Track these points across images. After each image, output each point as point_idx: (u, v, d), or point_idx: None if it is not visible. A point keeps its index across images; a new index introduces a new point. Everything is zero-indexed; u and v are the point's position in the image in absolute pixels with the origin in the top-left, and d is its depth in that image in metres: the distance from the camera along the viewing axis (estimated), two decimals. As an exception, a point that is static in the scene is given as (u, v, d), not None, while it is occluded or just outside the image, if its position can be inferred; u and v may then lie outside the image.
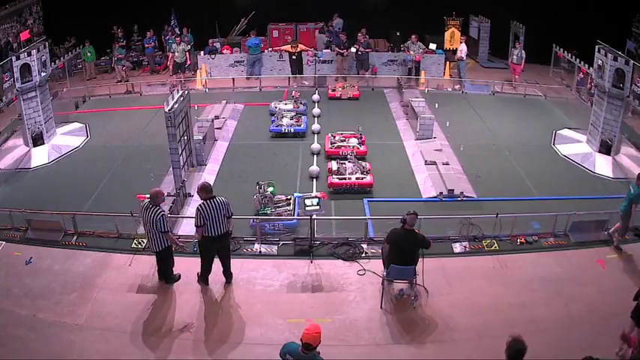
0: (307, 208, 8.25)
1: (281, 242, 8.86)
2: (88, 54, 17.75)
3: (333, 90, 15.91)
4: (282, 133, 13.00)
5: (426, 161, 11.46)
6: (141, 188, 9.27)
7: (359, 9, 19.58)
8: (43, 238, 8.89)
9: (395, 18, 19.28)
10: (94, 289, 7.78)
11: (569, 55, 15.50)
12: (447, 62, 17.77)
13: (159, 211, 7.30)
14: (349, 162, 11.01)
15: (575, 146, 12.49)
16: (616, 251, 8.44)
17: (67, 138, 13.08)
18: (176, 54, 16.91)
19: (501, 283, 7.91)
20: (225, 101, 15.02)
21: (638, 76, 10.73)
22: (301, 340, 5.21)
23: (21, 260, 8.39)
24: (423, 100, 13.84)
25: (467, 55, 17.30)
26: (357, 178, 10.46)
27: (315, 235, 8.77)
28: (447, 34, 18.20)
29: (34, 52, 11.88)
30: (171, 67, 17.37)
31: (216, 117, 13.62)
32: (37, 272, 8.13)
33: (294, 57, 17.03)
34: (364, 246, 8.76)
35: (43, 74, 12.25)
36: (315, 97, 15.43)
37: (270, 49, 18.32)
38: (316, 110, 14.46)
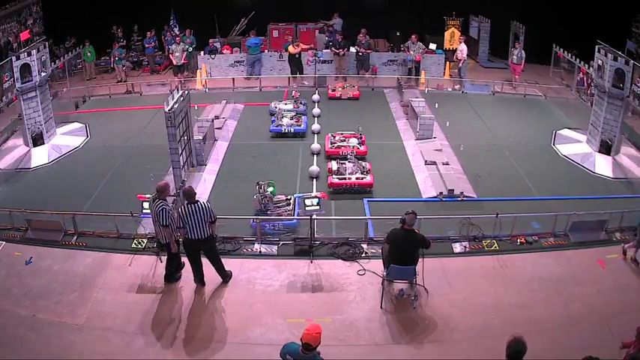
0: (307, 208, 8.25)
1: (281, 242, 8.87)
2: (88, 54, 17.75)
3: (333, 90, 15.91)
4: (282, 133, 13.00)
5: (426, 161, 11.46)
6: (141, 188, 9.28)
7: (359, 9, 19.57)
8: (43, 238, 8.89)
9: (395, 18, 19.28)
10: (94, 289, 7.78)
11: (569, 55, 15.50)
12: (447, 62, 17.77)
13: (161, 204, 7.37)
14: (349, 162, 11.01)
15: (575, 146, 12.49)
16: (634, 263, 8.25)
17: (67, 138, 13.08)
18: (175, 54, 16.90)
19: (501, 283, 7.91)
20: (225, 101, 15.02)
21: (638, 76, 10.73)
22: (301, 340, 5.21)
23: (21, 260, 8.39)
24: (423, 100, 13.83)
25: (467, 55, 17.27)
26: (357, 178, 10.46)
27: (315, 235, 8.77)
28: (447, 34, 18.20)
29: (34, 52, 11.88)
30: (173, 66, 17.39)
31: (216, 117, 13.61)
32: (37, 272, 8.13)
33: (297, 56, 17.01)
34: (364, 246, 8.76)
35: (43, 74, 12.25)
36: (315, 97, 15.42)
37: (272, 50, 18.33)
38: (316, 110, 14.46)
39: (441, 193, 10.33)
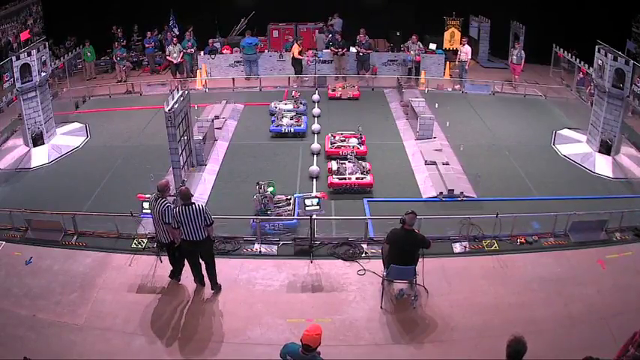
0: (307, 208, 8.25)
1: (281, 242, 8.86)
2: (88, 54, 17.75)
3: (333, 90, 15.91)
4: (282, 133, 13.00)
5: (426, 161, 11.46)
6: (141, 188, 9.28)
7: (359, 9, 19.58)
8: (43, 238, 8.89)
9: (395, 18, 19.28)
10: (94, 289, 7.78)
11: (569, 55, 15.50)
12: (447, 62, 17.77)
13: (165, 202, 7.38)
14: (349, 162, 11.01)
15: (575, 146, 12.49)
16: None
17: (67, 138, 13.09)
18: (173, 55, 16.88)
19: (501, 283, 7.91)
20: (225, 101, 15.02)
21: (638, 76, 10.73)
22: (301, 341, 5.21)
23: (21, 260, 8.39)
24: (423, 100, 13.84)
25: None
26: (357, 178, 10.46)
27: (315, 235, 8.76)
28: (447, 34, 18.20)
29: (34, 52, 11.88)
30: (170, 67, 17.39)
31: (216, 117, 13.62)
32: (37, 272, 8.13)
33: (301, 54, 17.00)
34: (364, 246, 8.75)
35: (43, 74, 12.25)
36: (315, 97, 15.43)
37: (272, 50, 18.34)
38: (316, 110, 14.46)
39: (441, 193, 10.33)
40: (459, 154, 12.03)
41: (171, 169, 10.20)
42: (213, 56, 17.62)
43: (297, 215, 9.14)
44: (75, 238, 8.96)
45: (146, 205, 8.10)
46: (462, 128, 13.59)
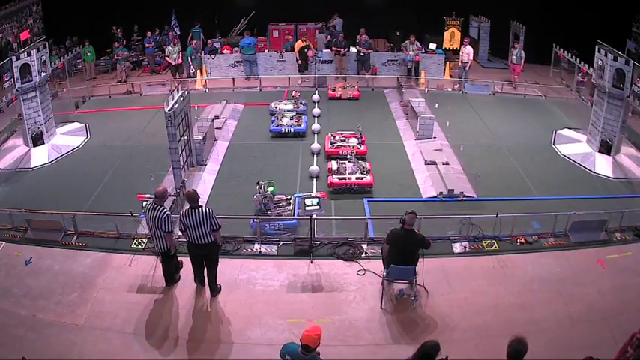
0: (307, 208, 8.24)
1: (281, 242, 8.86)
2: (88, 54, 17.75)
3: (333, 90, 15.90)
4: (282, 133, 13.00)
5: (426, 161, 11.45)
6: (141, 188, 9.28)
7: (359, 9, 19.58)
8: (43, 238, 8.89)
9: (395, 18, 19.28)
10: (94, 289, 7.78)
11: (569, 55, 15.50)
12: (447, 62, 17.76)
13: (164, 211, 7.33)
14: (349, 162, 11.01)
15: (575, 146, 12.49)
16: None
17: (67, 138, 13.09)
18: (173, 56, 16.88)
19: (501, 283, 7.91)
20: (225, 101, 15.02)
21: (638, 76, 10.73)
22: (300, 341, 5.21)
23: (21, 260, 8.39)
24: (423, 100, 13.84)
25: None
26: (357, 178, 10.46)
27: (315, 235, 8.76)
28: (447, 34, 18.18)
29: (34, 52, 11.88)
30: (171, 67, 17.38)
31: (216, 117, 13.62)
32: (37, 272, 8.13)
33: (305, 50, 16.97)
34: (364, 246, 8.76)
35: (43, 74, 12.25)
36: (315, 97, 15.43)
37: (272, 50, 18.34)
38: (316, 110, 14.46)
39: (441, 193, 10.33)
40: (459, 154, 12.03)
41: (171, 169, 10.20)
42: (213, 56, 17.62)
43: (297, 215, 9.14)
44: (75, 238, 8.96)
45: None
46: (462, 128, 13.59)
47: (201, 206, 7.34)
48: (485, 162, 11.85)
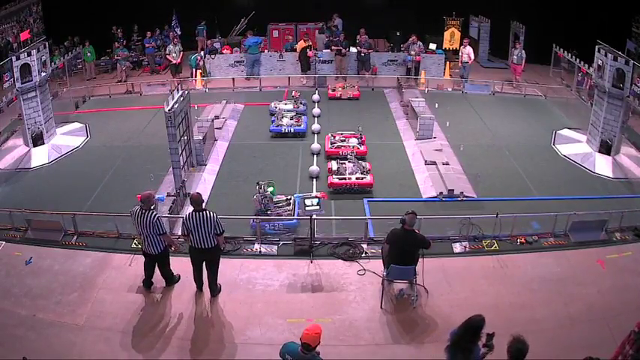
0: (307, 208, 8.24)
1: (281, 242, 8.86)
2: (88, 54, 17.75)
3: (333, 90, 15.90)
4: (282, 133, 13.00)
5: (426, 161, 11.46)
6: (141, 188, 9.24)
7: (359, 9, 19.58)
8: (43, 238, 8.89)
9: (395, 18, 19.28)
10: (94, 289, 7.78)
11: (569, 55, 15.50)
12: (447, 62, 17.76)
13: (154, 214, 7.28)
14: (349, 162, 11.01)
15: (575, 146, 12.49)
16: None
17: (67, 138, 13.09)
18: (173, 54, 16.87)
19: (501, 283, 7.91)
20: (225, 101, 15.03)
21: (638, 76, 10.73)
22: (301, 340, 5.21)
23: (21, 260, 8.39)
24: (423, 100, 13.84)
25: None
26: (357, 178, 10.46)
27: (315, 235, 8.76)
28: (447, 34, 18.19)
29: (34, 52, 11.88)
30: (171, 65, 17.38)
31: (216, 117, 13.63)
32: (37, 272, 8.13)
33: (309, 49, 16.98)
34: (364, 246, 8.75)
35: (43, 74, 12.25)
36: (315, 97, 15.43)
37: (272, 50, 18.35)
38: (316, 110, 14.46)
39: (441, 193, 10.33)
40: (458, 154, 12.03)
41: (171, 169, 10.20)
42: (213, 56, 17.62)
43: (297, 215, 9.14)
44: (75, 238, 8.96)
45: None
46: (462, 128, 13.59)
47: (206, 209, 7.27)
48: (485, 162, 11.85)
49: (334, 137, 12.22)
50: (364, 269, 8.20)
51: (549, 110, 15.17)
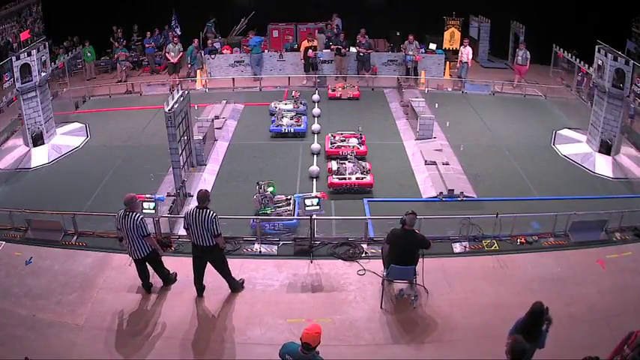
0: (307, 208, 8.24)
1: (281, 242, 8.86)
2: (88, 54, 17.75)
3: (333, 90, 15.90)
4: (282, 133, 13.00)
5: (426, 161, 11.46)
6: (141, 188, 9.27)
7: (359, 9, 19.58)
8: (43, 238, 8.89)
9: (395, 18, 19.28)
10: (94, 289, 7.78)
11: (569, 55, 15.51)
12: (447, 62, 17.76)
13: (138, 216, 7.21)
14: (349, 162, 11.01)
15: (575, 146, 12.49)
16: None
17: (67, 138, 13.09)
18: (171, 54, 16.88)
19: (501, 283, 7.91)
20: (225, 101, 15.03)
21: (638, 76, 10.73)
22: (301, 340, 5.21)
23: (21, 260, 8.39)
24: (423, 100, 13.85)
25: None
26: (357, 178, 10.46)
27: (315, 235, 8.76)
28: (447, 34, 18.20)
29: (34, 52, 11.88)
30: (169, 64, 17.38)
31: (216, 117, 13.63)
32: (37, 272, 8.13)
33: (311, 49, 17.00)
34: (364, 246, 8.75)
35: (43, 74, 12.25)
36: (315, 97, 15.43)
37: (272, 49, 18.35)
38: (316, 110, 14.46)
39: (441, 193, 10.33)
40: (459, 154, 12.03)
41: (171, 169, 10.20)
42: (213, 56, 17.62)
43: (297, 215, 9.14)
44: (75, 238, 8.96)
45: (146, 205, 8.09)
46: (462, 128, 13.59)
47: (207, 208, 7.21)
48: (485, 162, 11.85)
49: (334, 137, 12.22)
50: (364, 269, 8.20)
51: (549, 110, 15.17)
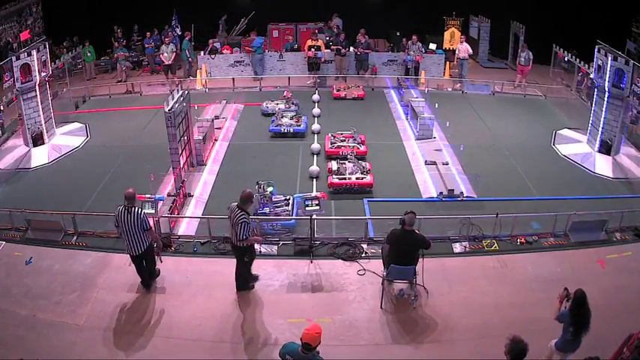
0: (307, 208, 8.24)
1: (281, 242, 8.86)
2: (88, 54, 17.74)
3: (338, 90, 15.87)
4: (281, 133, 13.00)
5: (426, 161, 11.46)
6: (141, 188, 9.24)
7: (359, 9, 19.58)
8: (43, 238, 8.89)
9: (395, 18, 19.28)
10: (94, 289, 7.78)
11: (569, 55, 15.51)
12: (447, 62, 17.76)
13: (139, 210, 7.34)
14: (349, 162, 11.01)
15: (575, 146, 12.49)
16: None
17: (67, 138, 13.09)
18: (165, 54, 16.86)
19: (501, 283, 7.91)
20: (225, 101, 15.03)
21: (638, 76, 10.73)
22: (301, 340, 5.21)
23: (21, 260, 8.39)
24: (423, 100, 13.84)
25: (469, 55, 17.15)
26: (357, 178, 10.46)
27: (315, 235, 8.76)
28: (447, 34, 18.20)
29: (34, 52, 11.87)
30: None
31: (216, 117, 13.63)
32: (37, 272, 8.13)
33: (314, 48, 16.99)
34: (364, 246, 8.75)
35: (43, 74, 12.24)
36: (315, 97, 15.43)
37: (272, 49, 18.36)
38: (316, 110, 14.45)
39: (441, 193, 10.33)
40: (459, 154, 12.03)
41: (171, 169, 10.19)
42: (213, 56, 17.62)
43: (296, 215, 9.13)
44: (75, 238, 8.97)
45: (151, 207, 8.14)
46: (462, 128, 13.58)
47: (246, 212, 7.25)
48: (485, 162, 11.85)
49: (334, 137, 12.22)
50: (364, 269, 8.20)
51: (549, 110, 15.17)
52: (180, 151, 9.93)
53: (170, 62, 16.97)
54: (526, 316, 7.16)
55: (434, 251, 7.83)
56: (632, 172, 11.31)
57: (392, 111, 14.94)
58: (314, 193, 9.09)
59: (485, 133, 13.51)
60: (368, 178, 10.50)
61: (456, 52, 17.02)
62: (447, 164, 11.33)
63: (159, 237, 7.70)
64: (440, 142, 12.52)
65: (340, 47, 17.13)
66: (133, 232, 7.27)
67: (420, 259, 7.34)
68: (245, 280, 7.75)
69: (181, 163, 10.04)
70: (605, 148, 11.72)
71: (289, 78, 17.05)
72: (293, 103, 14.39)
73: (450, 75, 17.61)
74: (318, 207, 8.22)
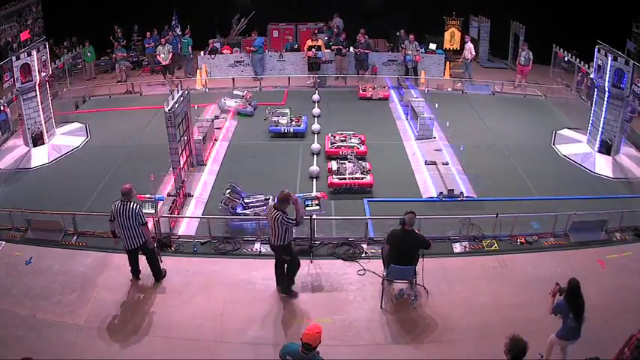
0: (307, 208, 8.24)
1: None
2: (88, 54, 17.74)
3: (364, 90, 15.84)
4: (281, 133, 13.00)
5: (426, 161, 11.46)
6: (141, 188, 9.25)
7: (359, 9, 19.58)
8: (43, 238, 8.89)
9: (395, 18, 19.28)
10: (94, 289, 7.78)
11: (569, 55, 15.50)
12: (447, 62, 17.76)
13: (136, 205, 7.41)
14: (349, 162, 11.01)
15: (575, 146, 12.49)
16: None
17: (67, 138, 13.09)
18: (161, 55, 16.85)
19: (501, 283, 7.91)
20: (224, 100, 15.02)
21: (637, 76, 10.72)
22: (301, 340, 5.21)
23: (21, 260, 8.39)
24: (423, 100, 13.84)
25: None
26: (357, 178, 10.46)
27: (315, 235, 8.76)
28: (447, 34, 18.19)
29: (34, 52, 11.87)
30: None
31: (216, 117, 13.63)
32: (37, 272, 8.13)
33: (314, 48, 16.99)
34: (364, 246, 8.75)
35: (43, 74, 12.24)
36: (315, 97, 15.43)
37: (272, 49, 18.37)
38: (316, 110, 14.45)
39: (441, 193, 10.33)
40: (459, 154, 12.03)
41: (171, 169, 10.19)
42: (213, 56, 17.62)
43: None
44: (75, 238, 8.97)
45: (151, 207, 8.18)
46: (462, 128, 13.58)
47: (285, 212, 7.24)
48: (485, 162, 11.85)
49: (334, 137, 12.22)
50: (364, 269, 8.20)
51: (549, 110, 15.17)
52: (180, 151, 9.93)
53: (167, 63, 16.96)
54: (526, 316, 7.16)
55: (434, 251, 7.83)
56: (632, 172, 11.31)
57: (392, 111, 14.93)
58: (314, 193, 9.08)
59: (485, 133, 13.51)
60: (368, 178, 10.50)
61: (464, 52, 17.00)
62: (447, 164, 11.33)
63: (152, 237, 7.70)
64: (440, 142, 12.53)
65: (340, 47, 17.12)
66: (127, 225, 7.39)
67: (420, 259, 7.34)
68: (291, 279, 7.73)
69: (181, 163, 10.04)
70: (605, 148, 11.72)
71: (289, 78, 17.06)
72: (250, 104, 14.52)
73: (450, 75, 17.60)
74: (318, 207, 8.22)
